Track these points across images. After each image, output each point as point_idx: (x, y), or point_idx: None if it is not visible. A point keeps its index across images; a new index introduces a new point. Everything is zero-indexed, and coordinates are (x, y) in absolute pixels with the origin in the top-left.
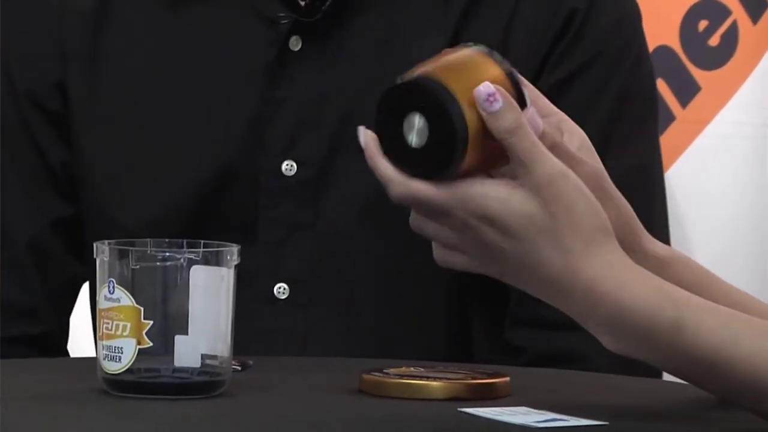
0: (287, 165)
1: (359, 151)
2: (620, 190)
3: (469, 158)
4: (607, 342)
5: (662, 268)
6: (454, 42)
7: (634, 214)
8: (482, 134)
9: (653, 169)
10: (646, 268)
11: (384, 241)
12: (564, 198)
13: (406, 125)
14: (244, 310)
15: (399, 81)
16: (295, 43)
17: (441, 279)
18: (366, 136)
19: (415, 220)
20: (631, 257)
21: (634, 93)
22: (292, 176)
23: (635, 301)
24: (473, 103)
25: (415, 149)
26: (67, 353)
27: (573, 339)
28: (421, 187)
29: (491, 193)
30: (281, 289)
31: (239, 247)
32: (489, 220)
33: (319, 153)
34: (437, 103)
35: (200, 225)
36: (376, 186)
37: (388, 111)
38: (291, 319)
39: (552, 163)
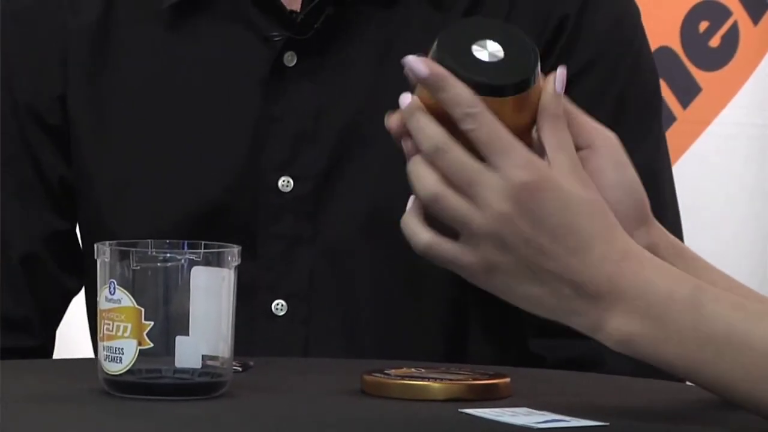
0: (284, 181)
1: (358, 164)
2: None
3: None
4: (618, 323)
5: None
6: None
7: (647, 202)
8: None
9: (661, 168)
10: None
11: (384, 255)
12: (591, 182)
13: (475, 48)
14: (243, 325)
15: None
16: (290, 59)
17: (442, 292)
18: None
19: (440, 185)
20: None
21: (635, 94)
22: (289, 192)
23: (656, 278)
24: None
25: (487, 63)
26: None
27: (591, 344)
28: (496, 121)
29: (548, 165)
30: (279, 306)
31: (240, 248)
32: (546, 180)
33: (317, 168)
34: (516, 34)
35: (198, 241)
36: (376, 199)
37: (452, 37)
38: (290, 335)
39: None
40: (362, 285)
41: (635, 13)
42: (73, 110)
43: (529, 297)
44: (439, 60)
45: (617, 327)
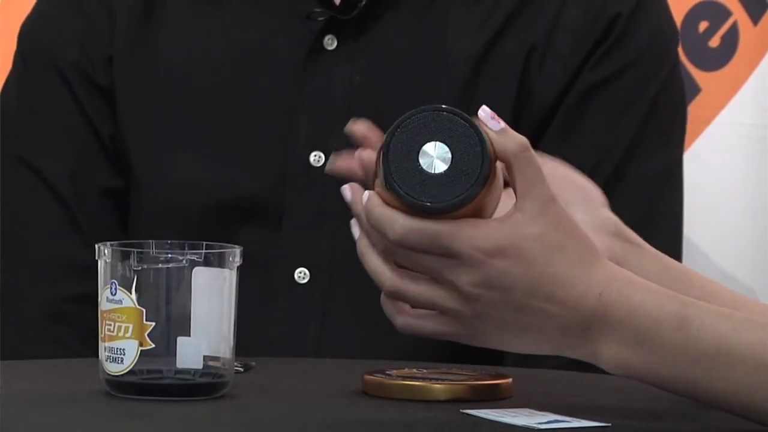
0: (315, 156)
1: None
2: (643, 192)
3: (484, 192)
4: (611, 352)
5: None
6: (494, 42)
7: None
8: (494, 172)
9: (673, 177)
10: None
11: None
12: (567, 216)
13: (423, 154)
14: (265, 294)
15: (407, 115)
16: (330, 42)
17: None
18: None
19: (396, 281)
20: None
21: (666, 102)
22: (320, 167)
23: (644, 297)
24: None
25: (433, 176)
26: None
27: None
28: (428, 223)
29: (501, 227)
30: (302, 274)
31: (241, 248)
32: (500, 251)
33: (348, 146)
34: (464, 127)
35: (227, 211)
36: None
37: (401, 142)
38: (310, 303)
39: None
40: None
41: (675, 29)
42: (117, 78)
43: (520, 346)
44: (388, 181)
45: (611, 356)
